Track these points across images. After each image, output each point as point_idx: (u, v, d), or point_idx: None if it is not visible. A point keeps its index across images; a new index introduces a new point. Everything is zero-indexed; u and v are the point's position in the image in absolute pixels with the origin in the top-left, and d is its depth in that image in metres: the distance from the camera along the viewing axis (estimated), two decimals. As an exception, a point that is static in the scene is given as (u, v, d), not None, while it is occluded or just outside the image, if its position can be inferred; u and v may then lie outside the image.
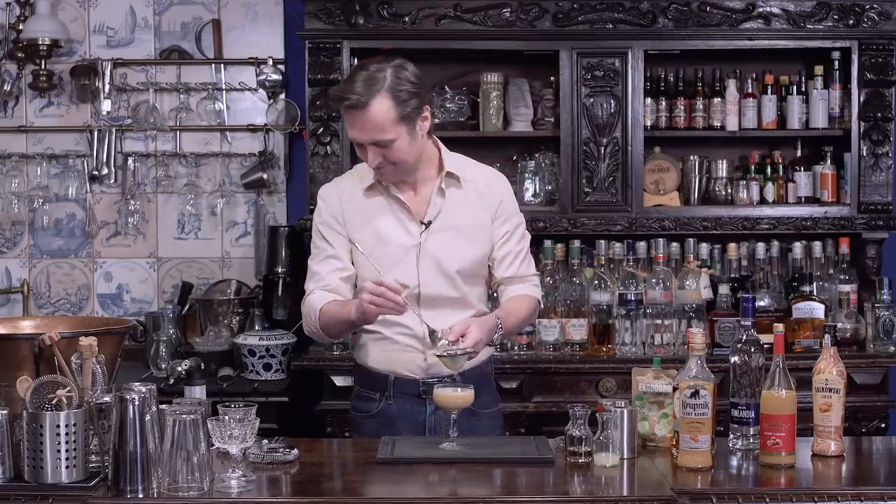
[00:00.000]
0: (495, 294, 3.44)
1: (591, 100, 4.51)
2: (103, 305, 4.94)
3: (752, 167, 4.67)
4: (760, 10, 4.49)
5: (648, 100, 4.59)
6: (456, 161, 3.28)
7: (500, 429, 3.34)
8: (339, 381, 4.22)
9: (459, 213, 3.22)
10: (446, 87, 4.72)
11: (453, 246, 3.20)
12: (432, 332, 3.08)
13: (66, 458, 2.57)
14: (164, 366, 4.37)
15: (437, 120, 4.65)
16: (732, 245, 4.52)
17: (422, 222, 3.20)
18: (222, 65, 4.89)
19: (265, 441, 2.91)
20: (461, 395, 3.00)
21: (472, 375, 3.19)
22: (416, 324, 3.16)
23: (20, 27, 4.79)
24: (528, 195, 4.65)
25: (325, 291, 3.21)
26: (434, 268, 3.19)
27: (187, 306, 4.75)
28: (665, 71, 4.71)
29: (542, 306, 3.41)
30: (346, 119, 3.12)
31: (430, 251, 3.19)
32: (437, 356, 3.05)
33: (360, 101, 3.03)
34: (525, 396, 4.24)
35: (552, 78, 4.63)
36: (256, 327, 4.55)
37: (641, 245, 4.45)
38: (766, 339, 3.02)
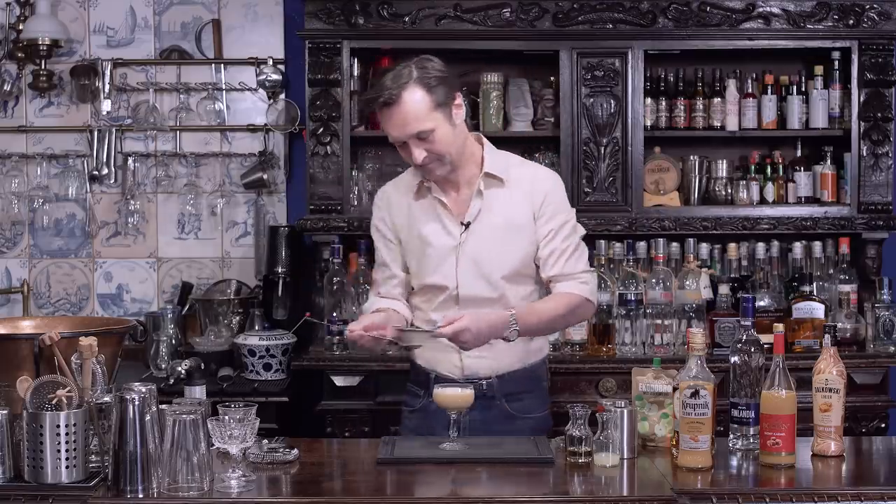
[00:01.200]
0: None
1: (591, 100, 4.51)
2: (103, 305, 4.94)
3: (752, 167, 4.67)
4: (760, 10, 4.49)
5: (648, 100, 4.59)
6: (500, 160, 3.26)
7: (545, 433, 3.24)
8: (339, 381, 4.22)
9: (500, 213, 3.20)
10: (446, 87, 4.72)
11: (493, 247, 3.19)
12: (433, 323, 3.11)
13: (66, 458, 2.57)
14: (164, 366, 4.37)
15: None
16: (732, 245, 4.52)
17: (461, 223, 3.21)
18: (222, 65, 4.89)
19: (265, 441, 2.91)
20: (461, 395, 3.00)
21: (510, 379, 3.21)
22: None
23: (20, 27, 4.79)
24: (528, 195, 4.65)
25: (378, 298, 3.32)
26: (472, 269, 3.20)
27: (187, 306, 4.75)
28: (665, 71, 4.71)
29: (596, 304, 3.31)
30: (383, 121, 3.13)
31: (469, 252, 3.20)
32: (400, 329, 3.10)
33: (391, 95, 3.06)
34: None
35: (552, 78, 4.63)
36: (256, 327, 4.55)
37: (641, 245, 4.45)
38: (766, 339, 3.02)
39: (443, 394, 3.01)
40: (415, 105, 3.07)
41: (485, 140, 3.30)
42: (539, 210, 3.22)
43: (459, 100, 3.17)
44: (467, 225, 3.20)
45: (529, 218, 3.22)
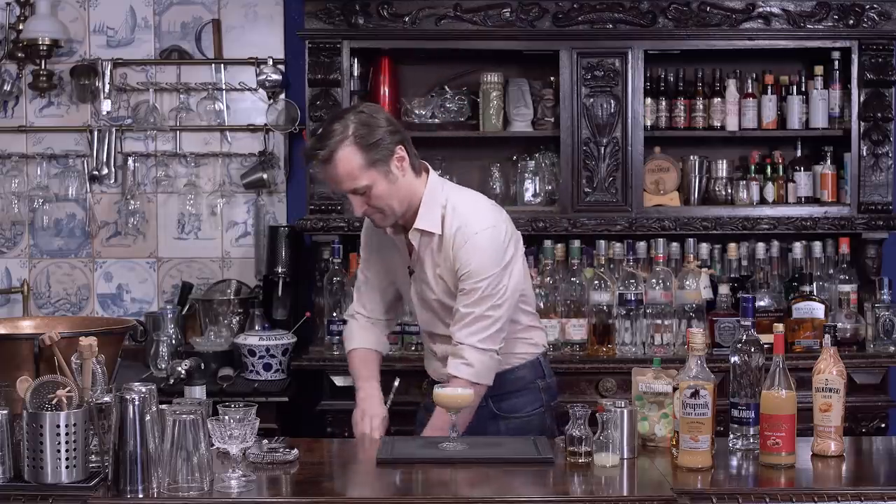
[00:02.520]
0: None
1: (591, 100, 4.51)
2: (103, 305, 4.94)
3: (752, 167, 4.67)
4: (760, 10, 4.49)
5: (648, 100, 4.59)
6: (434, 213, 3.16)
7: (537, 432, 3.26)
8: (339, 381, 4.21)
9: (434, 264, 3.23)
10: (446, 87, 4.72)
11: (431, 294, 3.27)
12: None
13: (66, 458, 2.57)
14: (164, 366, 4.37)
15: (436, 120, 4.67)
16: (732, 245, 4.52)
17: (408, 267, 3.31)
18: (222, 65, 4.89)
19: (265, 441, 2.91)
20: (461, 395, 3.01)
21: (497, 380, 3.24)
22: (428, 340, 3.39)
23: (20, 27, 4.79)
24: (528, 195, 4.65)
25: (363, 319, 3.45)
26: (422, 309, 3.33)
27: (187, 306, 4.74)
28: (665, 71, 4.71)
29: (482, 385, 3.18)
30: (320, 174, 3.25)
31: (417, 293, 3.32)
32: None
33: (324, 154, 3.07)
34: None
35: (552, 78, 4.63)
36: (256, 327, 4.55)
37: (641, 245, 4.45)
38: (766, 339, 3.02)
39: (443, 394, 3.01)
40: (348, 164, 3.06)
41: (429, 183, 3.19)
42: (455, 265, 3.16)
43: (402, 152, 3.11)
44: (412, 272, 3.29)
45: (454, 273, 3.18)
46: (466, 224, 3.15)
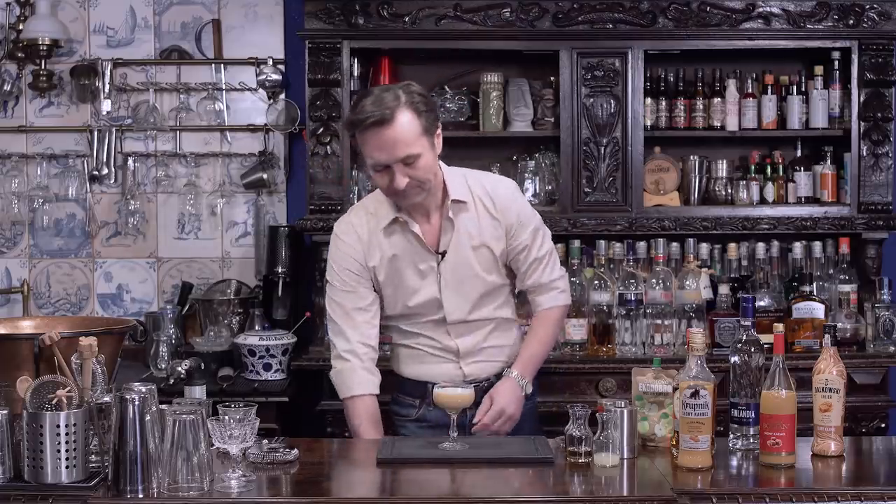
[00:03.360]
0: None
1: (591, 100, 4.51)
2: (103, 305, 4.94)
3: (752, 167, 4.67)
4: (760, 10, 4.49)
5: (648, 100, 4.59)
6: (459, 182, 3.25)
7: (534, 421, 3.38)
8: (340, 381, 4.21)
9: (471, 237, 3.23)
10: (446, 87, 4.72)
11: (469, 271, 3.24)
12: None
13: (66, 458, 2.57)
14: (164, 366, 4.37)
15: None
16: (732, 245, 4.52)
17: (437, 252, 3.23)
18: (222, 65, 4.89)
19: (265, 441, 2.91)
20: (461, 395, 3.01)
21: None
22: (446, 337, 3.28)
23: (20, 27, 4.79)
24: (528, 195, 4.65)
25: (362, 357, 3.25)
26: (454, 295, 3.24)
27: (187, 306, 4.75)
28: (665, 71, 4.71)
29: (571, 302, 3.50)
30: (369, 142, 3.06)
31: (448, 280, 3.23)
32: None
33: (384, 115, 3.01)
34: (525, 396, 4.22)
35: (552, 78, 4.63)
36: (256, 327, 4.55)
37: (641, 245, 4.45)
38: (766, 339, 3.02)
39: (443, 394, 3.01)
40: (407, 127, 3.05)
41: (441, 162, 3.27)
42: (509, 224, 3.26)
43: (440, 129, 3.17)
44: (443, 254, 3.23)
45: (500, 235, 3.26)
46: (496, 184, 3.30)
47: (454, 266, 3.23)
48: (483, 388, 3.25)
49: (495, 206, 3.25)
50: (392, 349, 3.42)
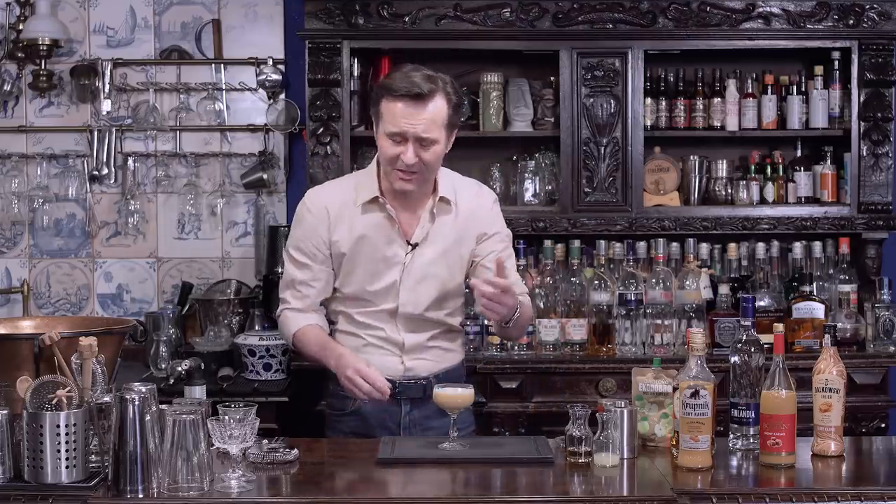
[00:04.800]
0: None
1: (591, 100, 4.51)
2: (103, 305, 4.94)
3: (752, 167, 4.67)
4: (760, 10, 4.49)
5: (648, 100, 4.59)
6: (448, 182, 3.30)
7: (472, 426, 3.35)
8: (339, 381, 4.21)
9: (446, 237, 3.26)
10: (446, 87, 4.72)
11: (435, 270, 3.26)
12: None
13: (66, 458, 2.57)
14: (164, 366, 4.37)
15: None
16: (732, 245, 4.52)
17: (408, 242, 3.24)
18: (222, 65, 4.89)
19: (265, 441, 2.91)
20: (461, 395, 3.01)
21: (444, 377, 3.27)
22: (394, 330, 3.26)
23: (20, 27, 4.79)
24: (528, 195, 4.65)
25: (299, 313, 3.30)
26: (413, 288, 3.25)
27: (187, 306, 4.74)
28: (665, 71, 4.71)
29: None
30: (398, 109, 3.09)
31: (413, 272, 3.24)
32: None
33: (424, 90, 3.08)
34: (525, 396, 4.24)
35: (552, 78, 4.63)
36: (256, 327, 4.55)
37: (641, 245, 4.45)
38: (766, 339, 3.02)
39: (444, 394, 3.01)
40: (438, 110, 3.11)
41: None
42: (482, 232, 3.30)
43: (456, 131, 3.21)
44: (414, 246, 3.24)
45: (472, 240, 3.29)
46: (480, 193, 3.37)
47: (421, 260, 3.24)
48: (421, 386, 3.24)
49: (476, 214, 3.30)
50: (334, 335, 3.35)
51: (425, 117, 3.09)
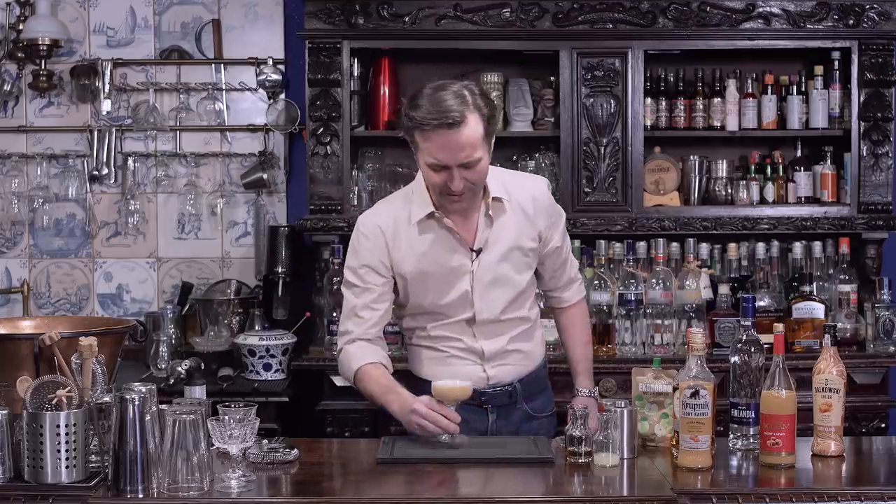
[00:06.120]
0: (544, 294, 3.50)
1: (591, 100, 4.51)
2: (103, 305, 4.94)
3: (752, 167, 4.67)
4: (760, 10, 4.49)
5: (648, 100, 4.59)
6: (496, 180, 3.19)
7: (553, 431, 3.33)
8: (339, 381, 4.20)
9: (508, 236, 3.18)
10: (446, 87, 4.72)
11: (503, 271, 3.19)
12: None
13: (66, 458, 2.57)
14: (164, 366, 4.37)
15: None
16: (732, 245, 4.52)
17: (472, 249, 3.16)
18: (222, 65, 4.89)
19: (265, 441, 2.91)
20: (459, 388, 3.01)
21: (529, 381, 3.26)
22: (471, 339, 3.20)
23: (20, 27, 4.79)
24: (528, 195, 4.65)
25: (363, 342, 3.17)
26: (486, 294, 3.18)
27: (187, 306, 4.74)
28: (665, 71, 4.71)
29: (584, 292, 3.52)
30: (431, 143, 2.97)
31: (482, 278, 3.17)
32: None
33: (456, 118, 2.93)
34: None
35: (552, 78, 4.63)
36: (256, 327, 4.55)
37: (641, 245, 4.45)
38: (766, 339, 3.02)
39: (441, 386, 3.00)
40: (473, 131, 2.97)
41: None
42: (545, 225, 3.23)
43: (496, 131, 3.11)
44: (478, 251, 3.16)
45: (535, 236, 3.22)
46: (532, 185, 3.27)
47: (489, 265, 3.16)
48: (507, 392, 3.22)
49: (533, 207, 3.21)
50: (411, 350, 3.31)
51: (463, 143, 2.95)
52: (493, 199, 3.15)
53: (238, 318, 4.67)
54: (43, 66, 4.80)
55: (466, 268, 3.15)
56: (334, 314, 4.35)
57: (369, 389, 3.14)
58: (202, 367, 4.02)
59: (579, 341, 3.40)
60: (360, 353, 3.16)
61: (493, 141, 3.09)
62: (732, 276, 4.48)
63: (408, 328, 3.29)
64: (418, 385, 3.24)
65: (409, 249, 3.15)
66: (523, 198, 3.21)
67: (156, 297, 4.94)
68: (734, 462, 2.90)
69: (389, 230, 3.16)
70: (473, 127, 2.97)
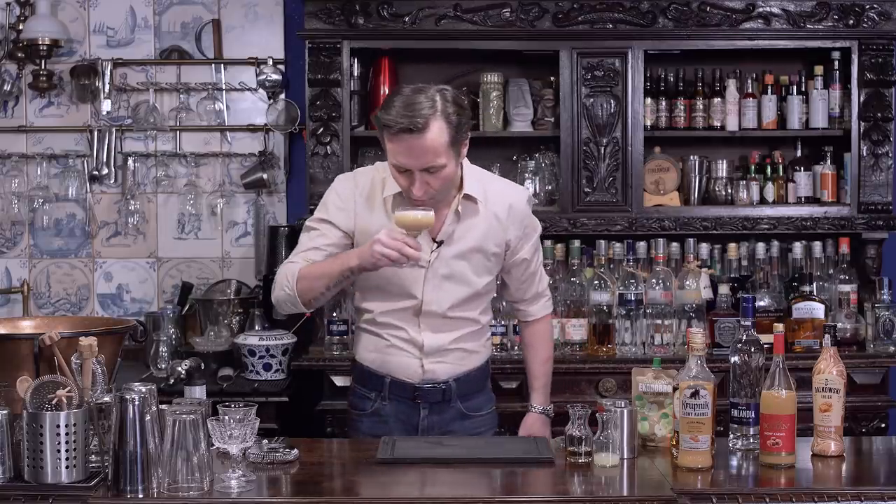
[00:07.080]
0: (511, 306, 3.53)
1: (591, 100, 4.51)
2: (103, 305, 4.94)
3: (752, 167, 4.67)
4: (760, 10, 4.49)
5: (648, 100, 4.59)
6: (476, 179, 3.20)
7: (494, 430, 3.37)
8: (339, 381, 4.21)
9: (473, 236, 3.19)
10: (446, 87, 4.72)
11: (461, 269, 3.19)
12: None
13: (66, 458, 2.57)
14: (164, 366, 4.37)
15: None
16: (732, 245, 4.52)
17: (434, 240, 3.16)
18: (222, 65, 4.89)
19: (265, 441, 2.91)
20: (422, 216, 2.95)
21: (465, 380, 3.25)
22: (415, 330, 3.20)
23: (20, 27, 4.79)
24: (528, 195, 4.65)
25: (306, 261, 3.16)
26: (438, 287, 3.18)
27: (187, 306, 4.74)
28: (665, 71, 4.71)
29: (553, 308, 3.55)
30: (395, 145, 2.99)
31: (438, 270, 3.17)
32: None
33: (418, 124, 2.94)
34: (525, 396, 4.21)
35: (552, 78, 4.63)
36: (256, 327, 4.55)
37: (641, 245, 4.45)
38: (766, 339, 3.02)
39: (404, 215, 2.94)
40: (438, 138, 2.97)
41: (464, 160, 3.21)
42: (515, 236, 3.24)
43: (468, 137, 3.11)
44: (439, 244, 3.17)
45: (501, 243, 3.23)
46: (512, 193, 3.28)
47: (446, 259, 3.17)
48: (441, 389, 3.22)
49: (507, 214, 3.21)
50: (357, 333, 3.32)
51: (426, 148, 2.96)
52: (466, 195, 3.16)
53: (238, 318, 4.67)
54: (43, 66, 4.80)
55: (425, 256, 3.14)
56: (334, 314, 4.36)
57: (319, 271, 3.10)
58: (202, 367, 4.01)
59: (539, 358, 3.44)
60: (297, 266, 3.15)
61: (466, 147, 3.09)
62: (732, 276, 4.48)
63: (357, 308, 3.30)
64: (358, 373, 3.30)
65: (373, 218, 3.15)
66: (500, 203, 3.21)
67: (156, 297, 4.94)
68: (734, 462, 2.90)
69: (364, 191, 3.18)
70: (437, 133, 2.97)
